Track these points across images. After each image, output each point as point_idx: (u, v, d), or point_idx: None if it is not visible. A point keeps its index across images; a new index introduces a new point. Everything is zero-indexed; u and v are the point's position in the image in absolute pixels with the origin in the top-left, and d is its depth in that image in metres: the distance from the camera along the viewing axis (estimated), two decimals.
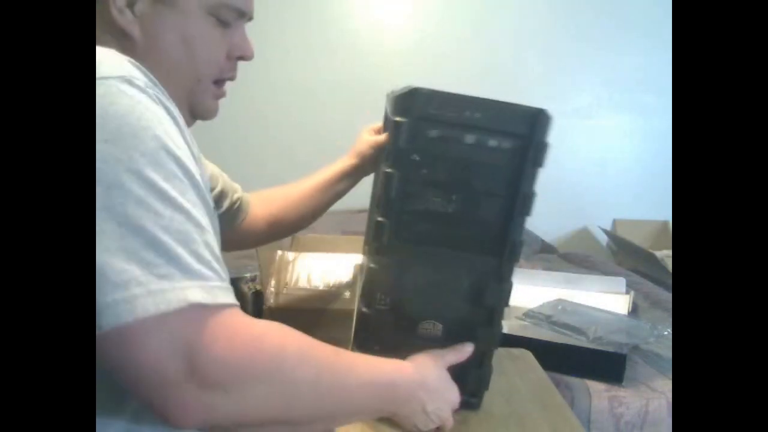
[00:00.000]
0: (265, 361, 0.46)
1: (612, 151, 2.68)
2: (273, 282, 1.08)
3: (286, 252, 1.14)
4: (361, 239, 0.87)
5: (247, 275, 1.32)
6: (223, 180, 0.88)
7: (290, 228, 1.00)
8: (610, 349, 1.07)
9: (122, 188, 0.41)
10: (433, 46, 2.51)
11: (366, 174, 0.93)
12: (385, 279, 0.69)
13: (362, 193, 0.90)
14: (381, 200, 0.68)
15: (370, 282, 0.70)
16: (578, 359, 1.07)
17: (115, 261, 0.40)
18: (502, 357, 0.74)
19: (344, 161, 0.93)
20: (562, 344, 1.08)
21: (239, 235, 0.91)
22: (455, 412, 0.69)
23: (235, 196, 0.90)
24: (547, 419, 0.73)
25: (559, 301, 1.31)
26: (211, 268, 0.45)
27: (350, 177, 0.93)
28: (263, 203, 0.95)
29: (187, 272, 0.43)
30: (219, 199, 0.86)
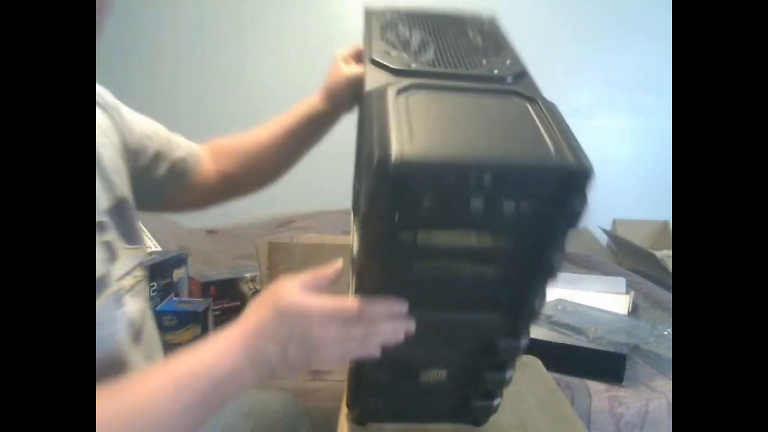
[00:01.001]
0: None
1: (612, 151, 2.68)
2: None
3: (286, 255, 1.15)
4: None
5: (247, 275, 1.32)
6: (158, 140, 0.73)
7: (247, 185, 0.83)
8: (610, 349, 1.07)
9: None
10: None
11: (340, 117, 0.78)
12: None
13: None
14: (365, 274, 0.53)
15: None
16: (578, 359, 1.07)
17: None
18: None
19: (310, 103, 0.78)
20: (562, 344, 1.09)
21: (191, 195, 0.78)
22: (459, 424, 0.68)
23: (176, 155, 0.75)
24: (554, 430, 0.72)
25: (559, 301, 1.31)
26: None
27: (318, 123, 0.77)
28: (214, 157, 0.80)
29: None
30: (154, 162, 0.72)
